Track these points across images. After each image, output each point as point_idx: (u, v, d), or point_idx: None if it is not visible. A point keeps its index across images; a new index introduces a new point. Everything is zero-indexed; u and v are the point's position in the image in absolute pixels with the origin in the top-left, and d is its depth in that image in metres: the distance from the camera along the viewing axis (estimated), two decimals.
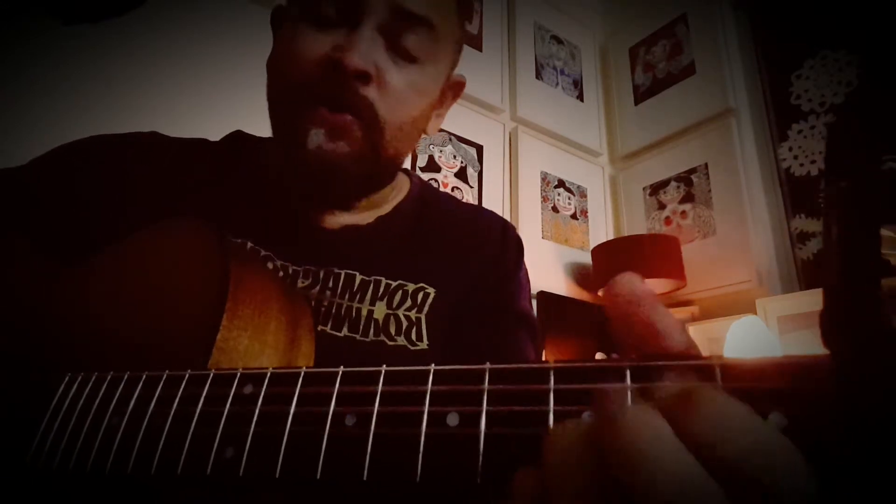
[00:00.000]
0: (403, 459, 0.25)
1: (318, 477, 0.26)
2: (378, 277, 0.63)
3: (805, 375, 0.20)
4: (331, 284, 0.61)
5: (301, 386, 0.30)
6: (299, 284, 0.61)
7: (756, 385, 0.21)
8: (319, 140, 0.55)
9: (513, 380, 0.25)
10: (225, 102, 1.65)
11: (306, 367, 0.31)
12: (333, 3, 0.56)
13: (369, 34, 0.55)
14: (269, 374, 0.32)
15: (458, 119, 2.20)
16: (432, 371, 0.26)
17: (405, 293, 0.63)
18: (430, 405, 0.26)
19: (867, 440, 0.17)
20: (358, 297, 0.61)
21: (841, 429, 0.18)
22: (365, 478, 0.25)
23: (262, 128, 0.77)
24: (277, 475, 0.28)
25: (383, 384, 0.27)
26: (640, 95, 2.66)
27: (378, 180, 0.66)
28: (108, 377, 0.38)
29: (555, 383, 0.24)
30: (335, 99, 0.55)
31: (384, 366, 0.28)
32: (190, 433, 0.32)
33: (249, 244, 0.61)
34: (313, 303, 0.60)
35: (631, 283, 0.25)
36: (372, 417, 0.26)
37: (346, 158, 0.56)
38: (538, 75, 2.56)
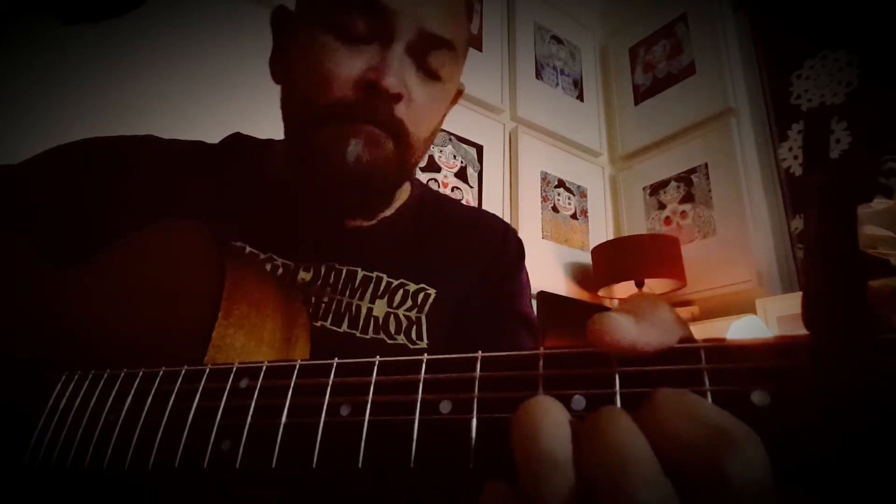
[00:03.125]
0: (397, 446, 0.25)
1: (314, 466, 0.26)
2: (380, 274, 0.64)
3: (787, 354, 0.21)
4: (332, 280, 0.62)
5: (296, 378, 0.30)
6: (300, 277, 0.61)
7: (739, 365, 0.21)
8: (358, 150, 0.56)
9: (503, 367, 0.25)
10: (225, 102, 1.65)
11: (301, 360, 0.31)
12: (363, 21, 0.56)
13: (400, 55, 0.57)
14: (264, 368, 0.32)
15: (458, 119, 2.20)
16: (425, 360, 0.27)
17: (406, 293, 0.64)
18: (423, 393, 0.26)
19: (846, 416, 0.17)
20: (359, 293, 0.62)
21: (821, 405, 0.18)
22: (360, 465, 0.25)
23: (261, 128, 0.77)
24: (273, 465, 0.28)
25: (377, 374, 0.28)
26: (640, 95, 2.67)
27: (398, 187, 0.68)
28: (105, 375, 0.38)
29: (544, 369, 0.24)
30: (373, 118, 0.57)
31: (378, 356, 0.28)
32: (187, 427, 0.32)
33: (248, 248, 0.61)
34: (313, 298, 0.60)
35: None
36: (366, 406, 0.27)
37: (380, 166, 0.58)
38: (538, 75, 2.56)
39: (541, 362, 0.24)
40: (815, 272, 0.18)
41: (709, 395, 0.21)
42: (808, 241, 0.19)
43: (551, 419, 0.21)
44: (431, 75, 0.60)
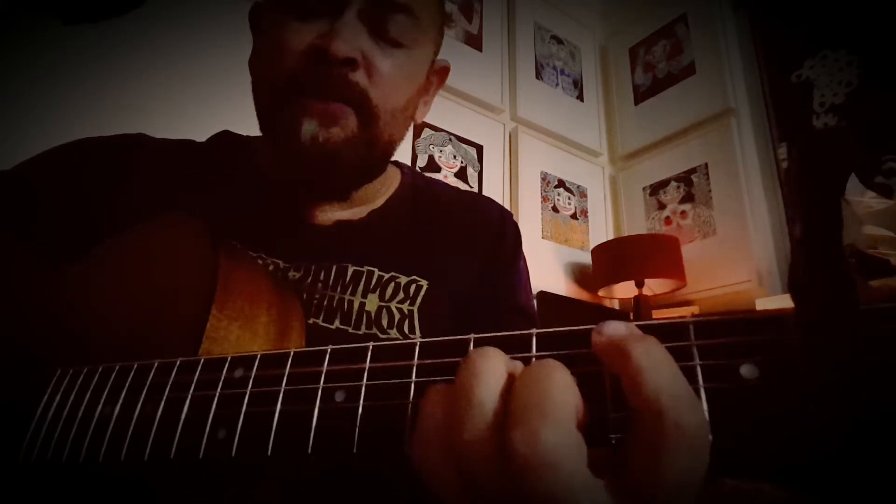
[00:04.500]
0: (392, 430, 0.25)
1: (310, 451, 0.26)
2: (371, 268, 0.63)
3: (774, 328, 0.21)
4: (322, 277, 0.61)
5: (290, 366, 0.30)
6: (290, 277, 0.61)
7: (728, 340, 0.21)
8: (313, 129, 0.55)
9: (497, 347, 0.25)
10: (224, 102, 1.65)
11: (295, 349, 0.31)
12: None
13: (352, 21, 0.56)
14: (258, 357, 0.32)
15: (458, 119, 2.20)
16: (418, 344, 0.27)
17: (397, 285, 0.63)
18: (416, 377, 0.26)
19: (833, 387, 0.17)
20: (350, 289, 0.61)
21: (808, 375, 0.18)
22: (355, 450, 0.25)
23: (257, 126, 0.77)
24: (269, 452, 0.28)
25: (371, 360, 0.28)
26: (640, 95, 2.67)
27: (374, 167, 0.66)
28: (100, 369, 0.38)
29: (537, 349, 0.24)
30: (324, 88, 0.55)
31: (371, 342, 0.28)
32: (182, 418, 0.33)
33: (239, 244, 0.61)
34: (305, 295, 0.59)
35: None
36: (360, 392, 0.27)
37: (341, 145, 0.57)
38: (538, 75, 2.56)
39: (533, 341, 0.24)
40: (796, 242, 0.18)
41: (699, 369, 0.21)
42: (791, 212, 0.19)
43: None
44: (392, 42, 0.59)
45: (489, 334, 0.25)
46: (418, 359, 0.26)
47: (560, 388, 0.22)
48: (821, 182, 0.18)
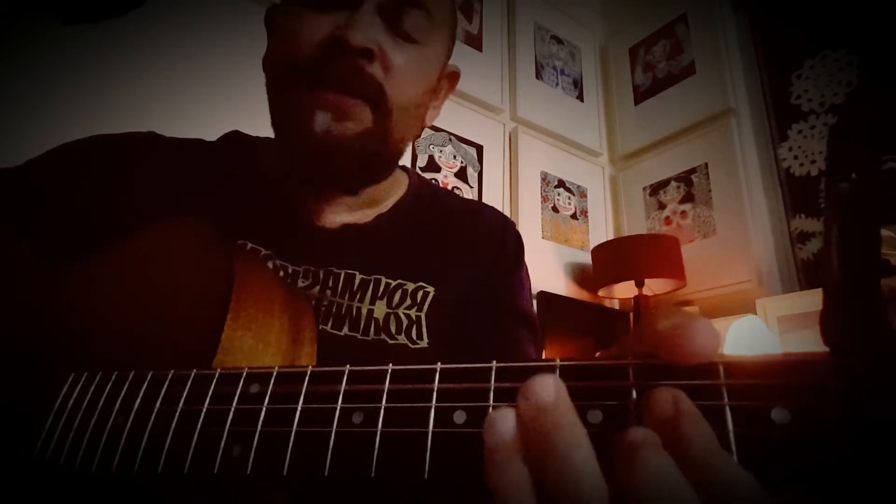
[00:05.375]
0: (411, 456, 0.25)
1: (327, 474, 0.26)
2: (378, 276, 0.63)
3: (806, 372, 0.21)
4: (331, 284, 0.61)
5: (308, 384, 0.30)
6: (299, 284, 0.60)
7: (759, 382, 0.21)
8: (327, 122, 0.55)
9: (519, 377, 0.25)
10: (225, 102, 1.65)
11: (312, 366, 0.31)
12: None
13: (369, 13, 0.56)
14: (275, 373, 0.32)
15: (458, 119, 2.20)
16: (439, 369, 0.27)
17: (405, 292, 0.63)
18: (436, 402, 0.26)
19: (870, 435, 0.17)
20: (358, 296, 0.61)
21: (843, 423, 0.18)
22: (373, 474, 0.25)
23: (261, 128, 0.77)
24: (285, 472, 0.28)
25: (390, 382, 0.27)
26: (640, 95, 2.66)
27: (384, 165, 0.66)
28: (113, 376, 0.38)
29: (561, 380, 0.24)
30: (340, 79, 0.55)
31: (391, 364, 0.28)
32: (196, 432, 0.32)
33: (249, 245, 0.61)
34: (314, 302, 0.59)
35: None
36: (379, 415, 0.27)
37: (353, 139, 0.57)
38: (538, 75, 2.56)
39: (557, 373, 0.24)
40: (835, 292, 0.18)
41: (728, 410, 0.21)
42: (826, 257, 0.19)
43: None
44: (406, 38, 0.59)
45: (512, 363, 0.25)
46: (439, 383, 0.26)
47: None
48: (864, 231, 0.18)
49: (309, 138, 0.55)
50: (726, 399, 0.21)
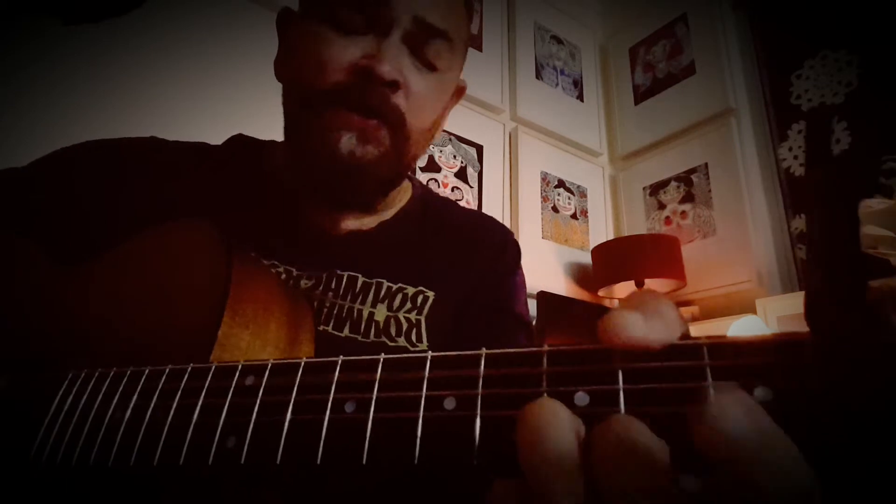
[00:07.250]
0: (402, 443, 0.25)
1: (319, 462, 0.27)
2: (380, 280, 0.64)
3: (789, 351, 0.21)
4: (333, 286, 0.62)
5: (301, 375, 0.30)
6: (302, 285, 0.61)
7: (741, 362, 0.21)
8: (352, 144, 0.57)
9: (507, 364, 0.25)
10: (225, 103, 1.65)
11: (307, 358, 0.31)
12: (361, 11, 0.57)
13: (397, 44, 0.58)
14: (269, 365, 0.32)
15: (458, 119, 2.20)
16: (429, 358, 0.27)
17: (405, 296, 0.64)
18: (427, 390, 0.26)
19: (851, 412, 0.17)
20: (360, 298, 0.62)
21: (825, 401, 0.18)
22: (364, 462, 0.25)
23: (262, 128, 0.77)
24: (278, 462, 0.28)
25: (382, 371, 0.28)
26: (640, 95, 2.67)
27: (395, 181, 0.68)
28: (111, 373, 0.38)
29: (548, 366, 0.24)
30: (366, 105, 0.57)
31: (382, 354, 0.28)
32: (192, 424, 0.33)
33: (253, 247, 0.61)
34: (315, 303, 0.60)
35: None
36: (371, 403, 0.27)
37: (373, 161, 0.58)
38: (538, 75, 2.56)
39: (544, 359, 0.25)
40: (817, 271, 0.18)
41: (711, 390, 0.21)
42: (809, 239, 0.19)
43: (557, 423, 0.22)
44: (428, 66, 0.61)
45: (500, 350, 0.26)
46: (429, 371, 0.26)
47: None
48: (844, 219, 0.18)
49: (335, 159, 0.57)
50: (710, 379, 0.22)
